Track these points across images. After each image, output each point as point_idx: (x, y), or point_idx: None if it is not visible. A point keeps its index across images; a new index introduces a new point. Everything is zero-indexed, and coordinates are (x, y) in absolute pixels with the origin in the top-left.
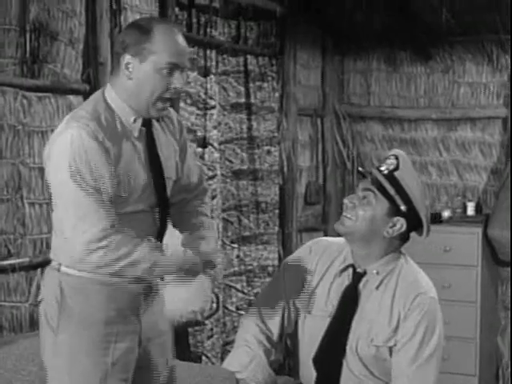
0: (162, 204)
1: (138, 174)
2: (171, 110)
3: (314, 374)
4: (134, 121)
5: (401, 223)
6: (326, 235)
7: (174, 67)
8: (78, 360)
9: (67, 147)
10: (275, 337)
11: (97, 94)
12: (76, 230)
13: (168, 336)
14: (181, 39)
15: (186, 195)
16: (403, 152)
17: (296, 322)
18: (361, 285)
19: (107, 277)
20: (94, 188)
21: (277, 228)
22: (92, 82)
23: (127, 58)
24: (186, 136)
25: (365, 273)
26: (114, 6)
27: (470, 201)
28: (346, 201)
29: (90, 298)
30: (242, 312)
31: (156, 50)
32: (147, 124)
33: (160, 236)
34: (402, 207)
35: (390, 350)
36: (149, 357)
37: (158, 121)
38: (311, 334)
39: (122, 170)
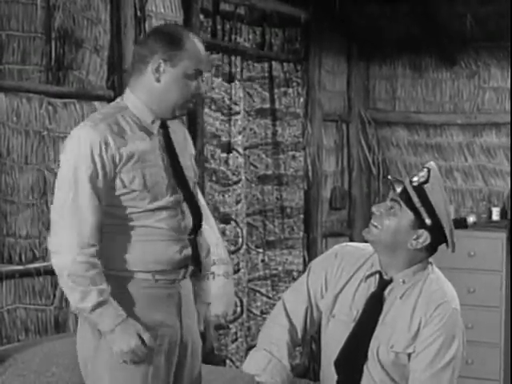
0: (188, 200)
1: (158, 171)
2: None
3: (334, 376)
4: (153, 122)
5: (425, 236)
6: (351, 240)
7: (198, 73)
8: (119, 364)
9: (73, 145)
10: (299, 336)
11: (117, 100)
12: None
13: (199, 340)
14: (203, 47)
15: None
16: (436, 165)
17: (319, 324)
18: (386, 292)
19: (149, 276)
20: (90, 189)
21: (302, 233)
22: (116, 89)
23: (158, 61)
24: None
25: (391, 280)
26: (139, 14)
27: (495, 206)
28: (374, 209)
29: (133, 301)
30: (266, 316)
31: (186, 57)
32: (164, 126)
33: (195, 230)
34: (427, 220)
35: (409, 356)
36: (185, 360)
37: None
38: (334, 338)
39: (138, 166)
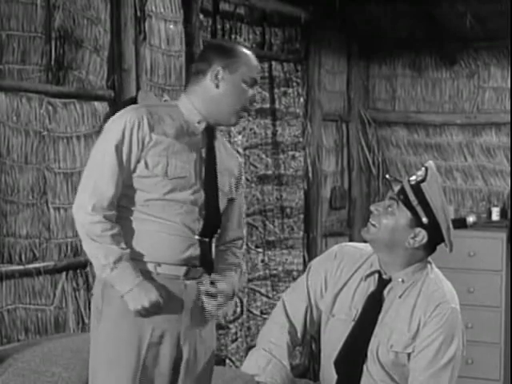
0: (209, 207)
1: (185, 166)
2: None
3: (334, 376)
4: (199, 122)
5: (422, 235)
6: (351, 240)
7: (253, 82)
8: (112, 348)
9: (111, 122)
10: (299, 335)
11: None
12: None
13: (208, 345)
14: (255, 57)
15: (218, 243)
16: (434, 164)
17: (319, 324)
18: (385, 291)
19: (151, 266)
20: (120, 159)
21: (302, 233)
22: (116, 89)
23: (217, 68)
24: (242, 181)
25: (390, 280)
26: (139, 14)
27: (494, 206)
28: (372, 208)
29: None
30: (266, 316)
31: (243, 64)
32: (210, 134)
33: (204, 235)
34: (424, 219)
35: (409, 356)
36: (180, 361)
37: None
38: (333, 337)
39: (164, 153)
